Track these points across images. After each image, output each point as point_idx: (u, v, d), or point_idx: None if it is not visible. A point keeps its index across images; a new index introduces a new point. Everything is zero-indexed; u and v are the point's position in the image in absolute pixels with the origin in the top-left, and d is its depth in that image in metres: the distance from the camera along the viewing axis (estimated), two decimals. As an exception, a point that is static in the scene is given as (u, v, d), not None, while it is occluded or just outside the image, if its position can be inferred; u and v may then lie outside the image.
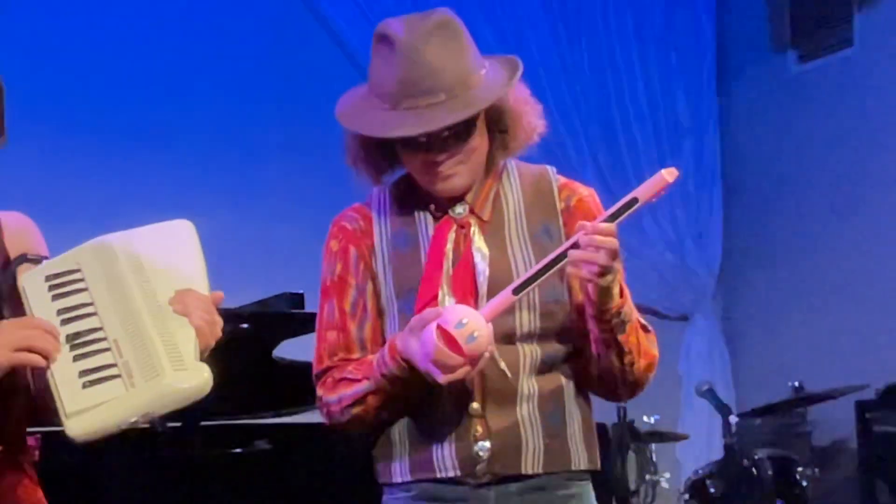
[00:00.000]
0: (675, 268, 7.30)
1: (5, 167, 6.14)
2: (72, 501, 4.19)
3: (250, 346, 4.98)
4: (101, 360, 2.24)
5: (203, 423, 5.20)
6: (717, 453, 6.04)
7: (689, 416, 7.04)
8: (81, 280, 2.34)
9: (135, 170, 6.30)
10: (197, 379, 2.27)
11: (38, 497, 2.43)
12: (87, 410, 2.21)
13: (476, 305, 2.46)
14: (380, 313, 2.59)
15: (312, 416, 5.20)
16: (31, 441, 4.48)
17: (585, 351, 2.56)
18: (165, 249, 2.41)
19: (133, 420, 2.22)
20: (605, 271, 2.38)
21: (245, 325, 4.90)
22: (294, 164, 6.59)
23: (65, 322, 2.29)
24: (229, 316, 4.82)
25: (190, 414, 4.93)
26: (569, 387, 2.56)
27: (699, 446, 6.76)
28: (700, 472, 5.80)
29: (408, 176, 2.60)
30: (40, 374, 2.27)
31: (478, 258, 2.52)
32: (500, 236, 2.56)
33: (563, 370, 2.56)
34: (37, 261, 2.41)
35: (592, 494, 2.61)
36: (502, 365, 2.47)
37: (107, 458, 4.42)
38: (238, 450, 4.65)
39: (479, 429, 2.49)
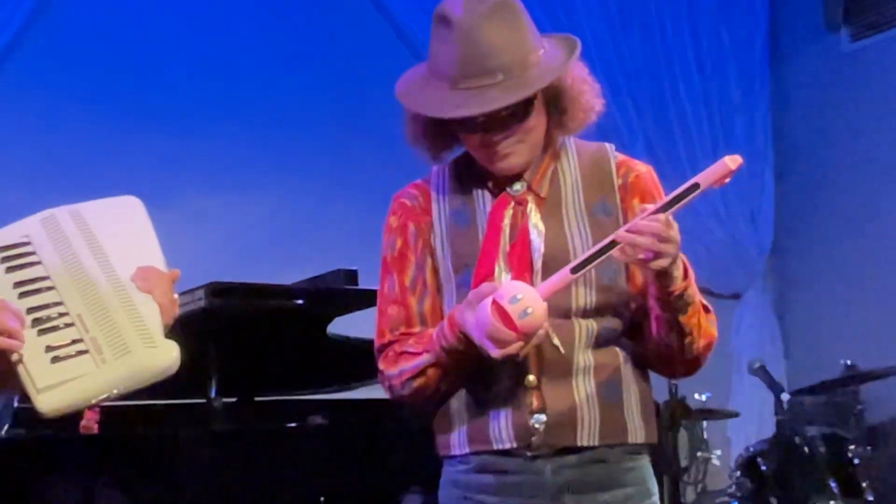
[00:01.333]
0: (726, 246, 7.30)
1: (59, 149, 6.25)
2: (133, 473, 4.30)
3: (304, 323, 5.04)
4: (67, 335, 2.23)
5: (257, 398, 5.30)
6: (769, 431, 6.04)
7: (740, 393, 7.05)
8: (33, 253, 2.33)
9: (189, 148, 6.35)
10: (167, 356, 2.26)
11: None
12: (58, 386, 2.20)
13: (532, 282, 2.50)
14: (438, 288, 2.63)
15: (366, 392, 5.28)
16: (90, 413, 4.60)
17: (643, 328, 2.60)
18: (118, 225, 2.41)
19: (104, 396, 2.22)
20: (660, 257, 2.42)
21: (299, 302, 4.96)
22: (347, 141, 6.62)
23: (23, 295, 2.27)
24: (284, 292, 4.97)
25: (244, 389, 5.06)
26: (626, 361, 2.59)
27: (750, 424, 6.78)
28: (751, 449, 5.80)
29: (467, 153, 2.64)
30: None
31: (534, 235, 2.55)
32: (557, 213, 2.59)
33: (619, 345, 2.59)
34: None
35: (650, 469, 2.64)
36: (556, 341, 2.50)
37: (166, 431, 4.50)
38: (292, 424, 4.70)
39: (535, 401, 2.53)
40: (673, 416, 5.80)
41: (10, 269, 2.31)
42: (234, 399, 5.04)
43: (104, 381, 2.21)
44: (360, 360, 4.93)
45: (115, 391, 2.22)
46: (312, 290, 5.03)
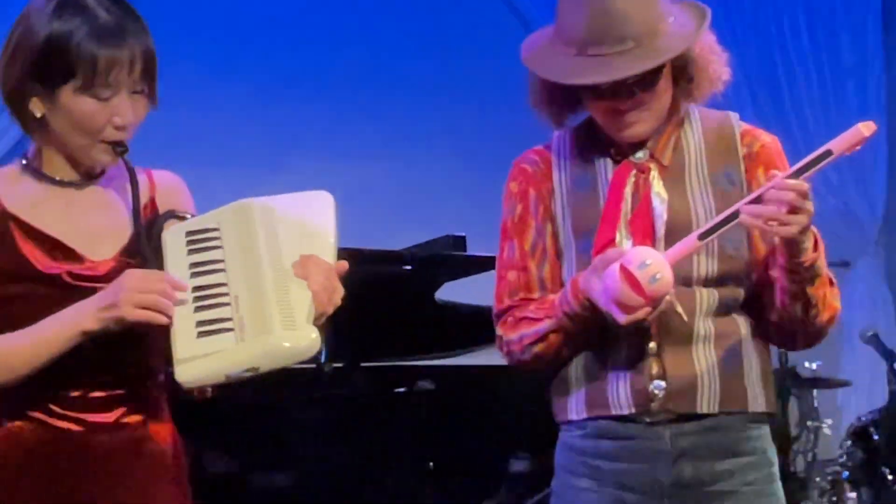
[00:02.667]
0: (837, 213, 7.22)
1: (175, 119, 6.34)
2: (243, 436, 4.38)
3: (413, 288, 5.07)
4: (220, 313, 2.32)
5: (366, 363, 5.36)
6: (881, 400, 6.00)
7: (850, 362, 6.99)
8: (218, 238, 2.43)
9: (300, 116, 6.42)
10: (304, 340, 2.30)
11: (170, 431, 2.53)
12: (196, 359, 2.28)
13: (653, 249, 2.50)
14: (558, 254, 2.65)
15: (473, 359, 5.32)
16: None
17: (765, 298, 2.59)
18: (301, 217, 2.47)
19: (238, 373, 2.28)
20: (790, 225, 2.41)
21: (408, 268, 5.00)
22: (457, 107, 6.63)
23: (194, 275, 2.37)
24: (393, 258, 5.01)
25: (352, 354, 5.11)
26: (746, 330, 2.59)
27: (861, 393, 6.72)
28: (863, 418, 5.76)
29: (589, 120, 2.65)
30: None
31: (656, 202, 2.56)
32: (679, 181, 2.60)
33: (740, 314, 2.59)
34: (183, 217, 2.51)
35: (770, 437, 2.64)
36: (679, 308, 2.50)
37: (276, 396, 4.57)
38: (401, 390, 4.75)
39: (655, 367, 2.54)
40: (783, 385, 5.78)
41: (191, 252, 2.42)
42: (341, 364, 5.11)
43: (239, 357, 2.27)
44: (468, 326, 4.99)
45: (249, 369, 2.27)
46: (421, 256, 5.05)
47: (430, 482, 4.42)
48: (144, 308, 2.29)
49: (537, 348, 2.60)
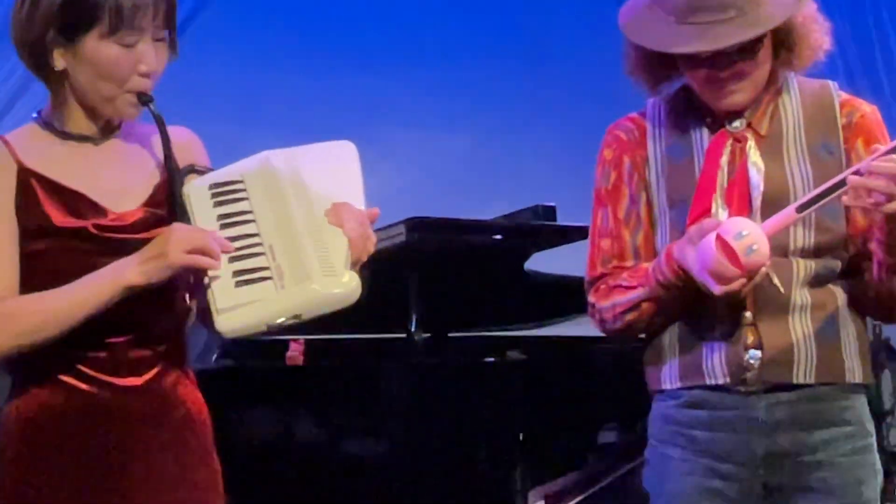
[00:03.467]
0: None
1: (265, 85, 6.37)
2: (335, 404, 4.42)
3: (502, 259, 5.10)
4: (256, 262, 2.32)
5: (455, 333, 5.39)
6: (977, 373, 5.94)
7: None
8: (243, 190, 2.42)
9: (387, 85, 6.43)
10: (345, 286, 2.30)
11: (197, 396, 2.51)
12: (237, 308, 2.29)
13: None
14: (652, 223, 2.65)
15: (562, 329, 5.33)
16: (295, 345, 4.74)
17: (863, 271, 2.58)
18: (326, 167, 2.46)
19: (281, 321, 2.29)
20: (894, 200, 2.38)
21: (497, 237, 5.02)
22: (543, 74, 6.62)
23: (224, 227, 2.37)
24: (482, 227, 5.03)
25: (442, 324, 5.14)
26: (843, 301, 2.58)
27: (957, 367, 6.64)
28: (958, 392, 5.72)
29: (685, 87, 2.64)
30: (198, 276, 2.36)
31: (753, 172, 2.54)
32: (777, 152, 2.58)
33: (837, 284, 2.58)
34: (203, 172, 2.50)
35: (867, 408, 2.63)
36: (775, 280, 2.49)
37: (368, 364, 4.61)
38: (491, 359, 4.76)
39: (751, 337, 2.53)
40: (876, 358, 5.72)
41: (218, 204, 2.42)
42: (431, 334, 5.13)
43: (280, 306, 2.29)
44: (558, 296, 4.99)
45: (290, 317, 2.28)
46: (510, 226, 5.07)
47: (520, 453, 4.44)
48: (193, 253, 2.29)
49: (630, 316, 2.61)
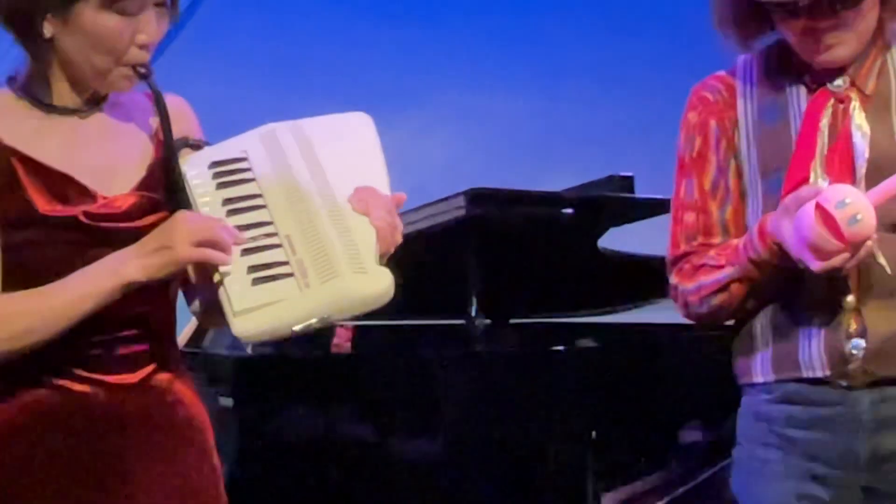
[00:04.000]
0: None
1: (306, 50, 6.40)
2: (387, 394, 4.44)
3: (573, 235, 5.09)
4: (272, 256, 2.28)
5: (519, 319, 5.39)
6: None
7: None
8: (248, 170, 2.38)
9: (443, 45, 6.44)
10: (378, 284, 2.27)
11: (194, 395, 2.51)
12: (257, 309, 2.25)
13: None
14: (742, 194, 2.63)
15: (640, 315, 5.31)
16: (342, 332, 4.76)
17: None
18: (341, 143, 2.42)
19: (305, 324, 2.25)
20: None
21: (568, 211, 4.99)
22: (617, 33, 6.62)
23: (231, 213, 2.33)
24: (551, 200, 5.02)
25: (503, 309, 5.13)
26: None
27: None
28: None
29: (780, 42, 2.61)
30: (203, 269, 2.34)
31: (857, 137, 2.52)
32: (884, 113, 2.55)
33: None
34: (198, 146, 2.47)
35: None
36: (881, 258, 2.45)
37: (421, 352, 4.62)
38: (559, 348, 4.75)
39: (854, 324, 2.50)
40: None
41: (221, 186, 2.37)
42: (492, 320, 5.14)
43: (306, 307, 2.25)
44: (634, 277, 4.99)
45: (317, 319, 2.25)
46: (583, 198, 5.06)
47: (593, 453, 4.44)
48: (202, 246, 2.25)
49: (717, 299, 2.59)
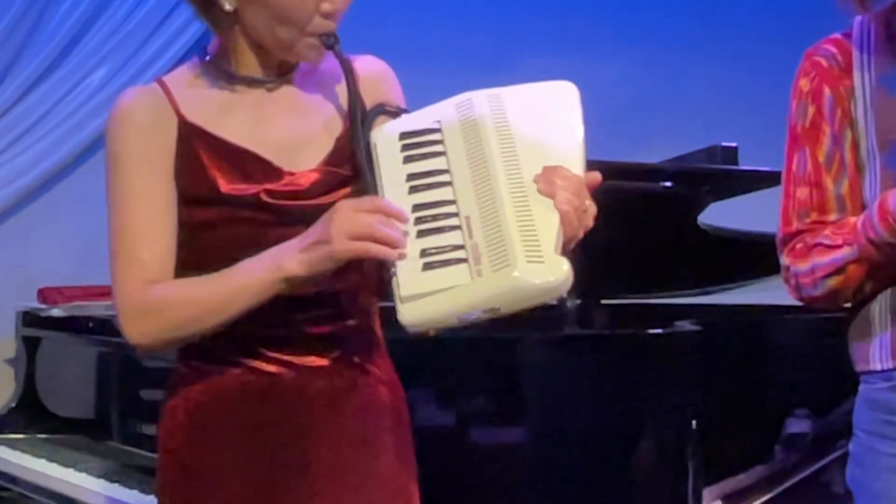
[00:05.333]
0: None
1: (398, 15, 6.42)
2: (465, 384, 4.45)
3: (672, 209, 5.06)
4: (448, 239, 2.27)
5: (611, 299, 5.38)
6: None
7: None
8: (440, 142, 2.38)
9: (525, 5, 6.45)
10: (552, 275, 2.22)
11: (394, 377, 2.58)
12: (424, 297, 2.23)
13: None
14: (859, 168, 2.61)
15: (746, 296, 5.29)
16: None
17: None
18: (539, 115, 2.40)
19: (474, 315, 2.22)
20: None
21: (666, 184, 4.98)
22: (702, 11, 6.59)
23: (413, 190, 2.33)
24: (646, 172, 5.00)
25: (595, 288, 5.12)
26: None
27: None
28: None
29: (902, 2, 2.59)
30: None
31: None
32: None
33: None
34: (395, 113, 2.49)
35: None
36: None
37: (501, 336, 4.62)
38: (657, 331, 4.74)
39: (980, 308, 2.50)
40: None
41: (408, 159, 2.38)
42: (582, 300, 5.13)
43: (474, 296, 2.22)
44: (740, 255, 4.96)
45: (485, 310, 2.22)
46: (682, 170, 5.03)
47: (692, 444, 4.43)
48: (361, 238, 2.25)
49: (833, 282, 2.59)
